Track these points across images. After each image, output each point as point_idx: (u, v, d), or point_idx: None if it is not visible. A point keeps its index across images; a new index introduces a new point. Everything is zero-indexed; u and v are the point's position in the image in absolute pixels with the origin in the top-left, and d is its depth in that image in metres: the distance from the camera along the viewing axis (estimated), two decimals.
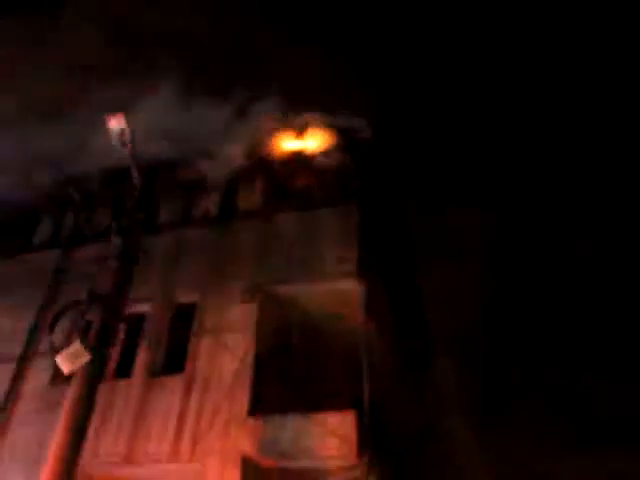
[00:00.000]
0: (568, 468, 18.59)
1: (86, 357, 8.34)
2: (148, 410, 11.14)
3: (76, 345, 8.37)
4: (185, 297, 12.45)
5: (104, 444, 11.01)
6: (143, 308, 12.44)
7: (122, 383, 11.61)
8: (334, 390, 11.05)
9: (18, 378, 12.37)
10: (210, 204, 13.54)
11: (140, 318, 12.31)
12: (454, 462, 14.94)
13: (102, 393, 11.40)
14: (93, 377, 8.55)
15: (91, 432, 11.03)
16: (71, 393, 8.45)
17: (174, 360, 11.76)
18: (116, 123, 9.28)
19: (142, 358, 11.82)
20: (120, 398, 11.42)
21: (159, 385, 11.42)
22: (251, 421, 10.48)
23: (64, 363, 8.29)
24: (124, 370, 11.81)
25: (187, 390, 11.15)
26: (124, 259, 9.45)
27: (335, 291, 11.80)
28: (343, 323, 11.69)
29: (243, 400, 10.72)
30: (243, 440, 10.33)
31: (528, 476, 18.64)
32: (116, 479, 11.02)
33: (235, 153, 13.13)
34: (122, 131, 9.30)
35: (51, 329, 8.73)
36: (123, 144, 9.35)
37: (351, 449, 9.77)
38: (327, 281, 11.79)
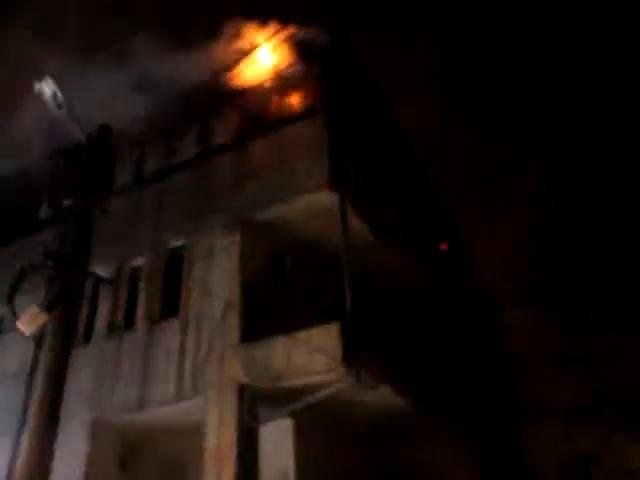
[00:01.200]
0: None
1: (43, 317, 8.65)
2: (152, 356, 11.52)
3: (33, 307, 8.69)
4: (173, 241, 12.62)
5: (118, 394, 11.56)
6: (137, 262, 12.83)
7: (127, 335, 12.06)
8: (322, 305, 11.00)
9: None
10: (188, 147, 13.45)
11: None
12: None
13: (111, 347, 12.12)
14: (61, 336, 8.87)
15: (107, 384, 11.76)
16: (45, 354, 8.84)
17: (171, 304, 12.05)
18: (46, 87, 9.28)
19: (142, 308, 12.18)
20: (127, 349, 11.88)
21: (159, 331, 11.76)
22: (242, 349, 10.65)
23: (24, 326, 8.64)
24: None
25: (184, 330, 11.44)
26: (77, 219, 9.61)
27: (311, 205, 11.61)
28: (325, 236, 11.54)
29: (234, 330, 10.88)
30: (237, 368, 10.53)
31: None
32: (133, 424, 11.63)
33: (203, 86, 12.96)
34: (54, 93, 9.29)
35: (10, 297, 9.04)
36: (58, 106, 9.35)
37: (336, 362, 9.75)
38: (301, 197, 11.59)
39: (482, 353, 17.02)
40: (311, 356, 9.95)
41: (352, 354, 9.76)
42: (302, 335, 10.17)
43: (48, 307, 8.72)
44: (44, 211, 14.54)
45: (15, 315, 8.90)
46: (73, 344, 11.47)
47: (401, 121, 15.20)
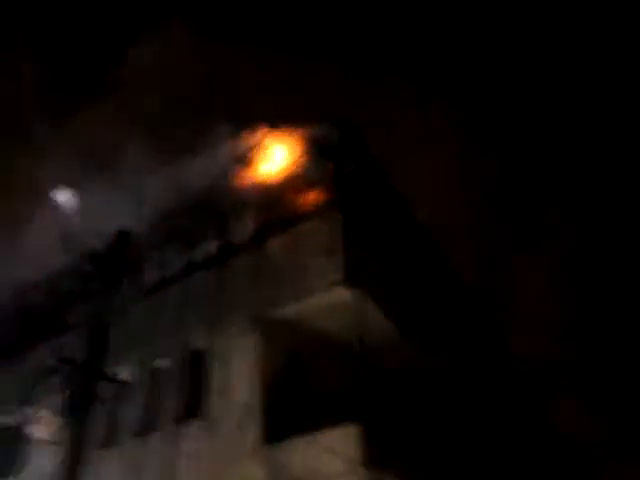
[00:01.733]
0: None
1: (57, 422, 8.76)
2: (173, 460, 11.42)
3: (45, 413, 8.83)
4: (196, 343, 12.69)
5: None
6: (160, 363, 12.91)
7: (149, 438, 12.01)
8: (342, 405, 10.85)
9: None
10: (207, 247, 13.73)
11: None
12: None
13: (133, 450, 12.04)
14: (75, 439, 8.92)
15: None
16: (58, 457, 8.87)
17: (193, 405, 12.00)
18: (63, 197, 9.71)
19: (164, 410, 12.17)
20: (149, 452, 11.80)
21: (181, 433, 11.68)
22: (262, 450, 10.51)
23: (37, 431, 8.75)
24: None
25: (205, 433, 11.34)
26: (91, 327, 9.81)
27: (328, 302, 11.60)
28: (345, 332, 11.47)
29: (254, 431, 10.78)
30: (257, 470, 10.38)
31: None
32: None
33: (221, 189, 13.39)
34: (71, 203, 9.72)
35: (23, 403, 9.19)
36: (74, 215, 9.74)
37: (356, 465, 9.53)
38: (316, 295, 11.60)
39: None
40: (330, 459, 9.75)
41: (372, 457, 9.56)
42: (321, 437, 10.01)
43: (61, 412, 8.83)
44: (71, 315, 14.87)
45: (30, 420, 9.07)
46: (95, 446, 11.67)
47: (419, 210, 15.28)
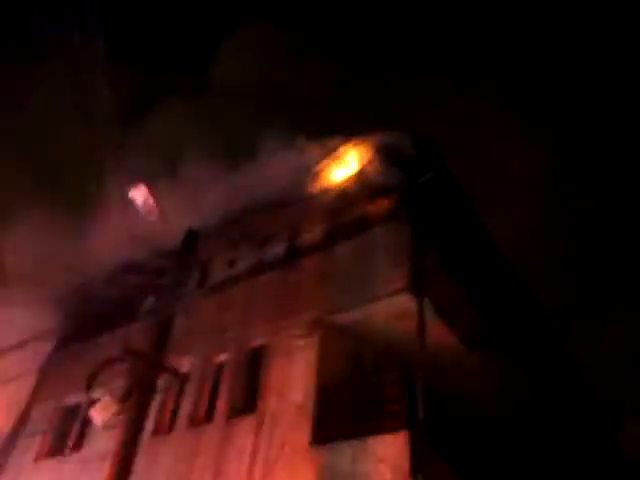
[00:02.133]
0: None
1: (114, 408, 9.09)
2: (226, 452, 11.61)
3: (105, 398, 9.15)
4: (256, 341, 12.91)
5: None
6: (221, 357, 13.21)
7: (205, 428, 12.28)
8: (395, 411, 10.81)
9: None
10: (277, 247, 13.96)
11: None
12: None
13: (190, 439, 12.36)
14: (131, 427, 9.24)
15: (182, 475, 11.95)
16: (115, 443, 9.21)
17: (251, 401, 12.21)
18: (139, 194, 10.06)
19: (222, 403, 12.41)
20: (204, 443, 12.05)
21: (235, 427, 11.88)
22: (312, 451, 10.57)
23: (96, 415, 9.09)
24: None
25: (258, 428, 11.49)
26: (158, 319, 10.14)
27: (391, 310, 11.60)
28: (405, 341, 11.43)
29: (306, 431, 10.84)
30: (306, 470, 10.42)
31: None
32: None
33: (292, 191, 13.60)
34: (146, 200, 10.05)
35: (88, 387, 9.55)
36: (150, 212, 10.07)
37: (403, 473, 9.46)
38: (381, 301, 11.62)
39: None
40: (378, 465, 9.73)
41: (420, 464, 9.47)
42: (371, 442, 10.00)
43: (121, 398, 9.17)
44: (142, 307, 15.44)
45: (92, 405, 9.44)
46: (151, 432, 12.03)
47: (492, 229, 15.06)
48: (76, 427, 15.14)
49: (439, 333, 11.81)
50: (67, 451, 14.80)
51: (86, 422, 14.16)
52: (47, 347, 17.85)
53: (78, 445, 14.58)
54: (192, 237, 11.22)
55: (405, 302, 11.40)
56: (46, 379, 17.30)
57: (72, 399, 15.68)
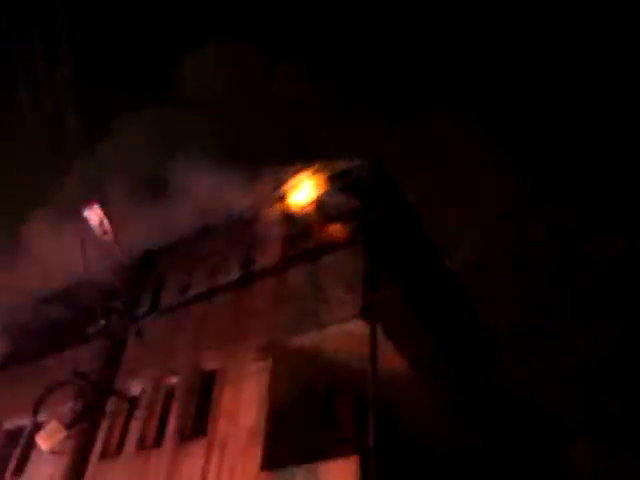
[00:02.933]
0: None
1: (62, 434, 8.89)
2: (176, 476, 11.45)
3: (52, 423, 8.96)
4: (208, 365, 12.83)
5: None
6: (172, 380, 13.08)
7: (155, 451, 12.10)
8: (348, 435, 10.87)
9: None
10: (230, 271, 13.93)
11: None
12: None
13: (139, 463, 12.15)
14: (79, 452, 9.08)
15: None
16: (60, 470, 9.02)
17: (202, 424, 12.09)
18: (94, 213, 9.93)
19: (172, 427, 12.25)
20: (153, 466, 11.87)
21: (185, 450, 11.75)
22: (263, 476, 10.50)
23: (42, 441, 8.88)
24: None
25: (208, 452, 11.38)
26: (108, 342, 10.01)
27: (344, 334, 11.67)
28: (358, 365, 11.49)
29: (256, 456, 10.77)
30: None
31: None
32: None
33: (248, 216, 13.63)
34: (101, 220, 9.92)
35: (35, 410, 9.37)
36: (104, 233, 9.94)
37: None
38: (334, 326, 11.68)
39: None
40: None
41: None
42: (321, 467, 10.00)
43: (68, 423, 9.00)
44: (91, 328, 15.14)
45: (37, 429, 9.23)
46: (99, 457, 11.80)
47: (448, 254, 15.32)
48: (18, 451, 14.71)
49: (391, 359, 11.91)
50: (8, 476, 14.36)
51: (29, 446, 13.81)
52: None
53: (20, 470, 14.15)
54: (149, 258, 11.16)
55: (358, 328, 11.46)
56: None
57: (14, 423, 15.26)
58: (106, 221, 9.84)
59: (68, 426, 8.88)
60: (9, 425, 15.54)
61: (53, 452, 8.90)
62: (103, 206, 9.93)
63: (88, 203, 9.88)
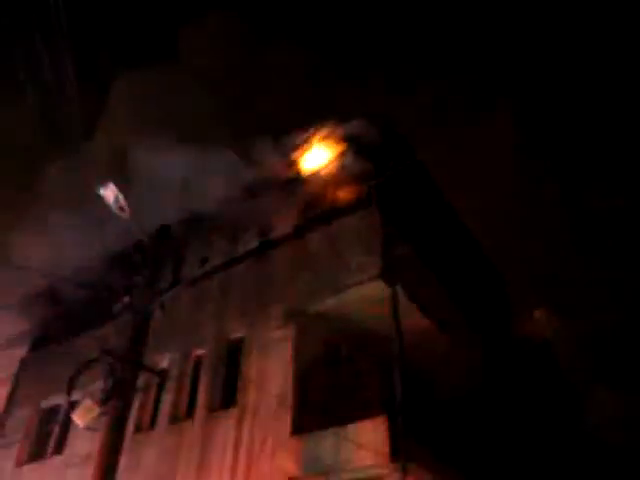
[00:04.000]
0: None
1: (95, 411, 9.10)
2: (210, 445, 11.72)
3: (86, 401, 9.17)
4: (233, 334, 13.02)
5: None
6: (199, 351, 13.29)
7: (187, 423, 12.36)
8: (373, 396, 11.00)
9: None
10: (250, 240, 14.03)
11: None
12: None
13: (172, 435, 12.42)
14: (113, 427, 9.27)
15: (166, 472, 12.01)
16: (97, 445, 9.24)
17: (231, 394, 12.31)
18: (110, 192, 10.01)
19: (202, 398, 12.49)
20: (186, 438, 12.14)
21: (217, 421, 11.99)
22: (293, 441, 10.72)
23: (78, 419, 9.10)
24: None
25: (240, 421, 11.62)
26: (134, 318, 10.15)
27: (365, 297, 11.75)
28: (381, 326, 11.58)
29: (286, 422, 10.99)
30: (287, 461, 10.58)
31: None
32: None
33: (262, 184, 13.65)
34: (117, 198, 10.00)
35: (68, 390, 9.56)
36: (121, 210, 10.03)
37: (384, 457, 9.65)
38: (354, 289, 11.75)
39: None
40: (359, 451, 9.90)
41: (400, 449, 9.67)
42: (350, 429, 10.17)
43: (102, 400, 9.19)
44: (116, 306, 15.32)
45: (72, 407, 9.45)
46: (133, 431, 12.06)
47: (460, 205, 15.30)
48: (56, 430, 15.11)
49: (412, 318, 11.98)
50: (48, 454, 14.78)
51: (66, 424, 14.17)
52: (20, 352, 17.72)
53: (59, 448, 14.56)
54: (164, 233, 11.23)
55: (378, 289, 11.56)
56: (21, 384, 17.20)
57: (50, 402, 15.65)
58: (122, 198, 9.92)
59: (101, 403, 9.07)
60: (45, 404, 15.93)
61: (89, 429, 9.11)
62: (118, 183, 10.01)
63: (103, 182, 9.96)
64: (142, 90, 15.62)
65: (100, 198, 9.96)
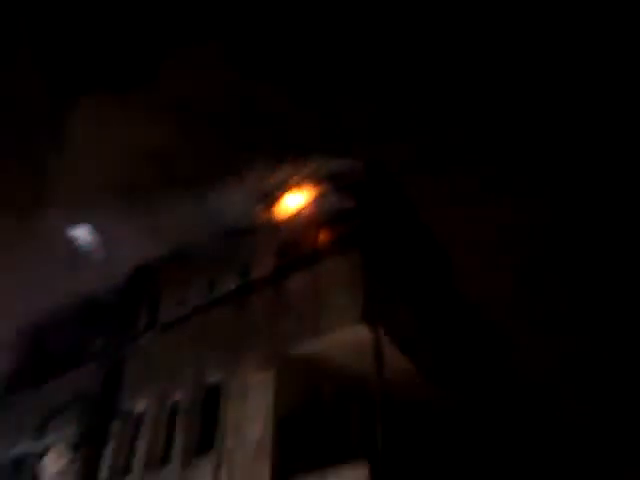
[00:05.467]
0: None
1: (67, 456, 8.80)
2: None
3: (58, 447, 8.87)
4: (211, 378, 12.70)
5: None
6: (176, 396, 12.95)
7: (163, 469, 11.97)
8: (356, 440, 10.77)
9: None
10: (227, 283, 13.82)
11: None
12: None
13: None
14: (86, 474, 8.97)
15: None
16: None
17: (209, 438, 11.96)
18: (82, 232, 9.85)
19: (179, 443, 12.12)
20: None
21: (194, 466, 11.64)
22: None
23: (48, 465, 8.79)
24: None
25: (217, 468, 11.26)
26: (108, 362, 9.91)
27: (347, 340, 11.54)
28: (363, 370, 11.37)
29: (266, 467, 10.66)
30: None
31: None
32: None
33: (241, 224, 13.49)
34: (90, 239, 9.85)
35: (37, 436, 9.26)
36: (93, 252, 9.86)
37: None
38: (336, 332, 11.54)
39: None
40: None
41: None
42: (331, 474, 9.89)
43: (74, 446, 8.90)
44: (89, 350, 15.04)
45: (43, 454, 9.13)
46: (107, 477, 11.68)
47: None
48: (25, 477, 14.55)
49: (395, 362, 11.75)
50: None
51: (35, 471, 13.67)
52: None
53: None
54: (141, 275, 11.05)
55: (361, 332, 11.37)
56: None
57: (20, 448, 15.08)
58: (96, 238, 9.78)
59: (74, 448, 8.79)
60: (15, 451, 15.36)
61: (60, 475, 8.82)
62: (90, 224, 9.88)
63: (77, 221, 9.83)
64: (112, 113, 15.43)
65: (73, 240, 9.83)
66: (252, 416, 11.42)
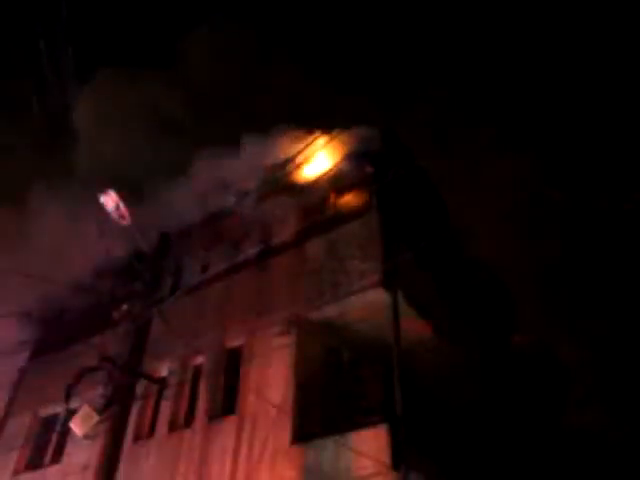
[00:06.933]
0: None
1: (94, 419, 9.02)
2: (209, 453, 11.62)
3: (85, 408, 9.08)
4: (233, 342, 12.95)
5: None
6: (198, 360, 13.22)
7: (186, 431, 12.27)
8: (374, 404, 10.94)
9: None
10: (251, 248, 13.95)
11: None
12: None
13: (171, 444, 12.33)
14: (112, 436, 9.20)
15: None
16: (96, 454, 9.17)
17: (231, 401, 12.23)
18: (109, 199, 9.96)
19: (201, 406, 12.40)
20: (185, 447, 12.05)
21: (216, 429, 11.89)
22: (293, 449, 10.62)
23: (76, 427, 9.02)
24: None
25: (239, 430, 11.53)
26: (133, 326, 10.08)
27: (365, 304, 11.68)
28: (382, 333, 11.51)
29: (286, 430, 10.89)
30: (288, 469, 10.49)
31: None
32: None
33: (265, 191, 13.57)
34: (117, 205, 9.95)
35: (66, 398, 9.48)
36: (121, 217, 9.97)
37: (385, 466, 9.55)
38: (355, 297, 11.69)
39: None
40: (360, 459, 9.81)
41: (401, 458, 9.58)
42: (351, 437, 10.09)
43: (100, 408, 9.12)
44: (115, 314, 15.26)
45: (70, 416, 9.37)
46: (132, 440, 11.98)
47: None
48: (54, 439, 15.00)
49: (413, 325, 11.89)
50: (46, 463, 14.66)
51: (64, 433, 14.06)
52: (20, 360, 17.61)
53: (57, 457, 14.43)
54: (165, 241, 11.18)
55: (379, 296, 11.50)
56: (20, 392, 17.06)
57: (49, 410, 15.53)
58: (122, 205, 9.87)
59: (100, 411, 8.99)
60: (43, 413, 15.83)
61: (87, 437, 9.03)
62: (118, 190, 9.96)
63: (103, 189, 9.91)
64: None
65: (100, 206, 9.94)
66: (273, 379, 11.65)
